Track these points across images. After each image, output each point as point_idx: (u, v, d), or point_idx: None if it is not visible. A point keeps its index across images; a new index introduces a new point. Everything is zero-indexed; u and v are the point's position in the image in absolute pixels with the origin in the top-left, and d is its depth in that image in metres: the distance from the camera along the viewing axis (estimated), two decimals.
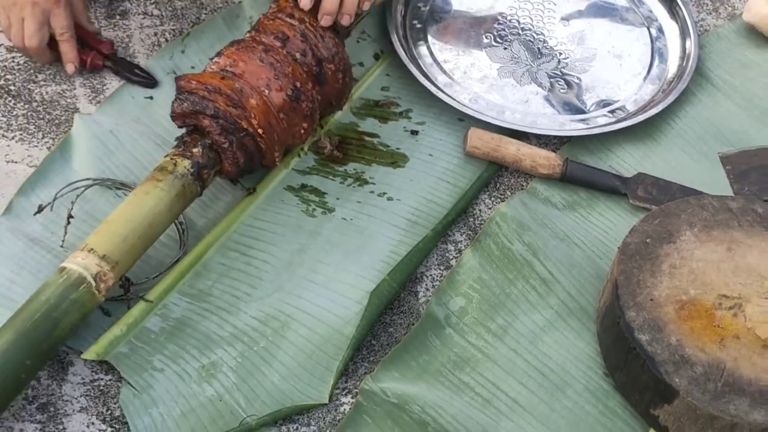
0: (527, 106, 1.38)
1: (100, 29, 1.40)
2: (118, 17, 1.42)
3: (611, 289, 1.09)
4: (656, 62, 1.46)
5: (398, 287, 1.17)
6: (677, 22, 1.50)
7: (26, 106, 1.30)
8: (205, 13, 1.44)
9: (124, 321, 1.09)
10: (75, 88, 1.33)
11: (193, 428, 1.03)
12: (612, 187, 1.29)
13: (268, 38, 1.20)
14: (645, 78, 1.43)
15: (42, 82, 1.33)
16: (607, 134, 1.35)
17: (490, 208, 1.28)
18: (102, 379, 1.07)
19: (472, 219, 1.26)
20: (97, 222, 1.16)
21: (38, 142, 1.27)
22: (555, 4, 1.51)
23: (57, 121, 1.29)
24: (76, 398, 1.05)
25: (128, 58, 1.36)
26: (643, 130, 1.36)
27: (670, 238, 1.11)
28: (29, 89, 1.32)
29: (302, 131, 1.21)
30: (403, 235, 1.21)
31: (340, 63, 1.24)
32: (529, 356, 1.12)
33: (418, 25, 1.46)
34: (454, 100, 1.35)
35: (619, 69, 1.44)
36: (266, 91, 1.16)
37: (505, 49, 1.44)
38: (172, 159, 1.12)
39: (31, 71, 1.34)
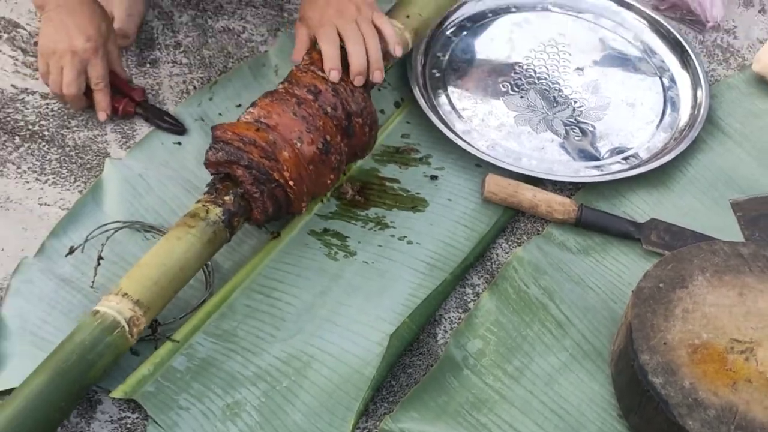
0: (543, 153, 1.39)
1: (132, 77, 1.42)
2: (148, 65, 1.45)
3: (625, 333, 1.10)
4: (668, 111, 1.47)
5: (417, 329, 1.17)
6: (689, 72, 1.51)
7: (59, 150, 1.32)
8: (232, 62, 1.47)
9: (152, 360, 1.10)
10: (106, 134, 1.35)
11: None
12: (625, 233, 1.30)
13: (301, 91, 1.20)
14: (657, 126, 1.45)
15: (75, 128, 1.35)
16: (621, 181, 1.36)
17: (507, 253, 1.29)
18: (129, 417, 1.08)
19: (489, 263, 1.27)
20: (126, 264, 1.18)
21: (70, 186, 1.29)
22: (570, 54, 1.53)
23: (89, 166, 1.31)
24: None
25: (158, 105, 1.39)
26: (656, 176, 1.37)
27: (683, 282, 1.12)
28: (62, 134, 1.34)
29: (329, 182, 1.22)
30: (423, 279, 1.22)
31: (367, 117, 1.25)
32: (545, 398, 1.13)
33: (437, 74, 1.48)
34: (472, 146, 1.37)
35: (633, 117, 1.46)
36: (298, 144, 1.17)
37: (522, 97, 1.46)
38: (204, 206, 1.13)
39: (65, 117, 1.36)
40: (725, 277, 1.13)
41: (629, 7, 1.59)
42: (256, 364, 1.13)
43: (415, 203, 1.31)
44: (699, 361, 1.05)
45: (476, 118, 1.43)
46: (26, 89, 1.39)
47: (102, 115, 1.34)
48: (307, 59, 1.25)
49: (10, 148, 1.32)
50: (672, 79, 1.52)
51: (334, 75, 1.21)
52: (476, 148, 1.37)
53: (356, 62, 1.22)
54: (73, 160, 1.32)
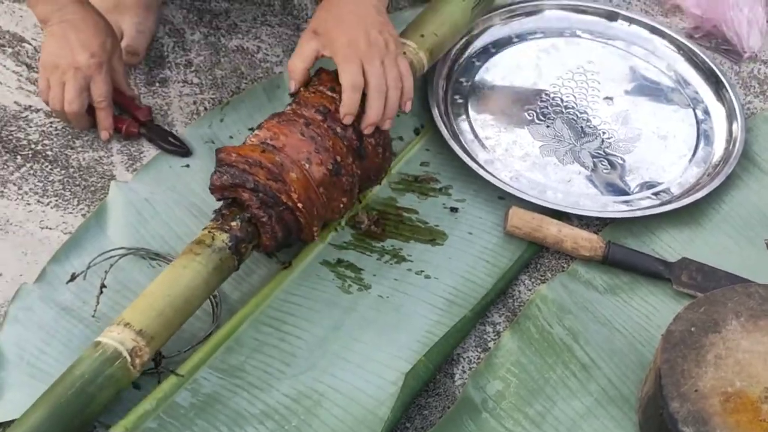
0: (569, 186, 1.39)
1: (140, 96, 1.43)
2: (157, 84, 1.46)
3: (654, 378, 1.09)
4: (702, 144, 1.47)
5: (434, 369, 1.18)
6: (723, 105, 1.52)
7: (63, 171, 1.34)
8: (245, 83, 1.48)
9: (154, 395, 1.10)
10: (112, 155, 1.36)
11: None
12: (655, 272, 1.30)
13: (309, 111, 1.22)
14: (690, 160, 1.45)
15: (79, 148, 1.36)
16: (651, 217, 1.36)
17: (530, 290, 1.29)
18: None
19: (511, 300, 1.28)
20: (130, 292, 1.19)
21: (73, 209, 1.30)
22: (599, 83, 1.53)
23: (93, 188, 1.32)
24: None
25: (167, 126, 1.40)
26: (687, 213, 1.38)
27: (716, 327, 1.12)
28: (66, 155, 1.36)
29: (341, 206, 1.24)
30: (441, 315, 1.22)
31: (380, 138, 1.26)
32: None
33: (460, 100, 1.49)
34: (495, 177, 1.37)
35: (664, 150, 1.46)
36: (307, 165, 1.18)
37: (548, 127, 1.47)
38: (210, 232, 1.14)
39: (69, 137, 1.38)
40: (760, 322, 1.13)
41: (662, 34, 1.60)
42: (263, 401, 1.13)
43: (433, 236, 1.32)
44: (732, 410, 1.05)
45: (500, 147, 1.43)
46: (30, 106, 1.40)
47: (104, 134, 1.35)
48: (316, 80, 1.26)
49: (11, 168, 1.33)
50: (706, 112, 1.52)
51: (348, 120, 1.21)
52: (499, 179, 1.37)
53: (373, 114, 1.22)
54: (77, 182, 1.33)
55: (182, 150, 1.36)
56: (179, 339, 1.14)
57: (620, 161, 1.44)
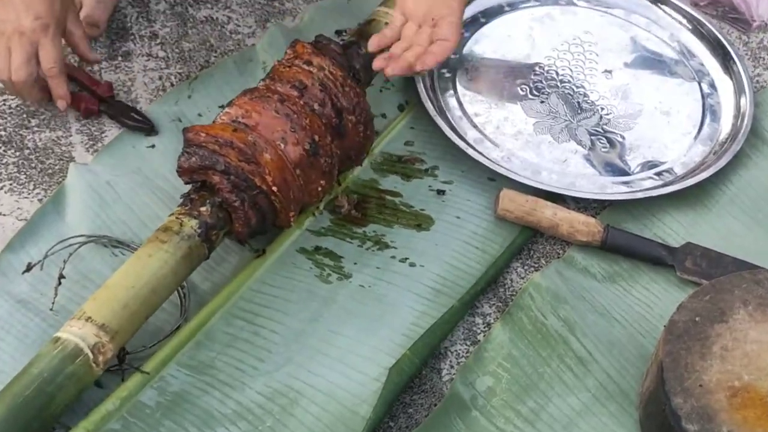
0: (565, 166, 1.39)
1: (101, 71, 1.43)
2: (120, 58, 1.45)
3: (656, 372, 1.10)
4: (708, 121, 1.47)
5: (420, 363, 1.17)
6: (731, 78, 1.52)
7: (17, 153, 1.33)
8: (215, 56, 1.47)
9: (118, 394, 1.10)
10: (71, 135, 1.36)
11: None
12: (657, 258, 1.30)
13: (284, 87, 1.22)
14: (695, 138, 1.45)
15: (35, 128, 1.36)
16: (653, 199, 1.36)
17: (522, 278, 1.29)
18: None
19: (502, 289, 1.27)
20: (91, 283, 1.18)
21: (29, 194, 1.29)
22: (597, 55, 1.53)
23: (50, 171, 1.31)
24: None
25: (130, 103, 1.39)
26: (692, 195, 1.38)
27: (722, 316, 1.12)
28: (21, 135, 1.35)
29: (319, 189, 1.23)
30: (427, 306, 1.22)
31: (361, 114, 1.26)
32: None
33: (447, 74, 1.48)
34: (485, 157, 1.37)
35: (667, 127, 1.46)
36: (282, 145, 1.17)
37: (542, 102, 1.46)
38: (177, 218, 1.13)
39: (24, 116, 1.37)
40: None
41: (665, 2, 1.60)
42: (236, 400, 1.12)
43: (419, 221, 1.31)
44: (739, 406, 1.05)
45: (490, 125, 1.43)
46: None
47: (61, 104, 1.32)
48: (291, 53, 1.26)
49: None
50: (712, 85, 1.52)
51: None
52: (489, 159, 1.37)
53: (403, 62, 1.29)
54: (33, 165, 1.32)
55: (146, 126, 1.36)
56: (144, 333, 1.14)
57: (620, 139, 1.43)
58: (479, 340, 1.22)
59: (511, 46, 1.53)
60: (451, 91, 1.47)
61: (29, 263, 1.20)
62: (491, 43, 1.53)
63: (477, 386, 1.16)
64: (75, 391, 1.03)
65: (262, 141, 1.17)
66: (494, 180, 1.36)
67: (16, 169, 1.31)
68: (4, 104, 1.37)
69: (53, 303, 1.17)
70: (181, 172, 1.17)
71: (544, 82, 1.49)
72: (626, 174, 1.40)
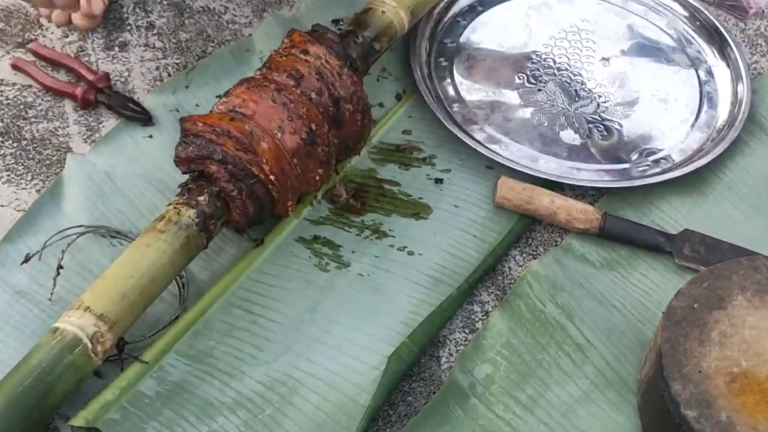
0: (563, 154, 1.39)
1: (98, 61, 1.42)
2: (117, 49, 1.45)
3: (654, 359, 1.10)
4: (705, 108, 1.47)
5: (419, 351, 1.17)
6: (728, 65, 1.52)
7: (15, 144, 1.32)
8: (212, 47, 1.47)
9: (117, 384, 1.10)
10: (68, 126, 1.35)
11: None
12: (655, 245, 1.30)
13: (281, 76, 1.22)
14: (692, 125, 1.45)
15: (32, 119, 1.35)
16: (650, 186, 1.36)
17: (520, 266, 1.29)
18: None
19: (501, 277, 1.27)
20: (89, 273, 1.18)
21: (27, 184, 1.28)
22: (594, 43, 1.53)
23: (48, 162, 1.31)
24: None
25: (127, 94, 1.38)
26: (689, 182, 1.38)
27: (721, 303, 1.12)
28: (18, 126, 1.34)
29: (317, 177, 1.23)
30: (425, 294, 1.22)
31: (358, 103, 1.26)
32: (561, 431, 1.12)
33: (444, 63, 1.48)
34: (483, 146, 1.37)
35: (664, 114, 1.46)
36: (279, 134, 1.17)
37: (540, 90, 1.46)
38: (175, 208, 1.13)
39: (21, 107, 1.36)
40: None
41: None
42: (235, 389, 1.12)
43: (417, 209, 1.31)
44: (738, 391, 1.05)
45: (488, 113, 1.43)
46: None
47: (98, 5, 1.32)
48: (288, 42, 1.26)
49: None
50: (709, 72, 1.52)
51: None
52: (487, 148, 1.37)
53: None
54: (31, 155, 1.32)
55: (144, 116, 1.35)
56: (143, 323, 1.14)
57: (617, 127, 1.43)
58: (478, 328, 1.22)
59: (509, 34, 1.53)
60: (449, 80, 1.46)
61: (27, 254, 1.20)
62: (488, 31, 1.53)
63: (476, 374, 1.16)
64: (74, 381, 1.03)
65: (259, 130, 1.16)
66: (492, 168, 1.36)
67: (13, 160, 1.31)
68: (1, 95, 1.37)
69: (52, 293, 1.16)
70: (179, 161, 1.17)
71: (541, 70, 1.49)
72: (624, 161, 1.40)
